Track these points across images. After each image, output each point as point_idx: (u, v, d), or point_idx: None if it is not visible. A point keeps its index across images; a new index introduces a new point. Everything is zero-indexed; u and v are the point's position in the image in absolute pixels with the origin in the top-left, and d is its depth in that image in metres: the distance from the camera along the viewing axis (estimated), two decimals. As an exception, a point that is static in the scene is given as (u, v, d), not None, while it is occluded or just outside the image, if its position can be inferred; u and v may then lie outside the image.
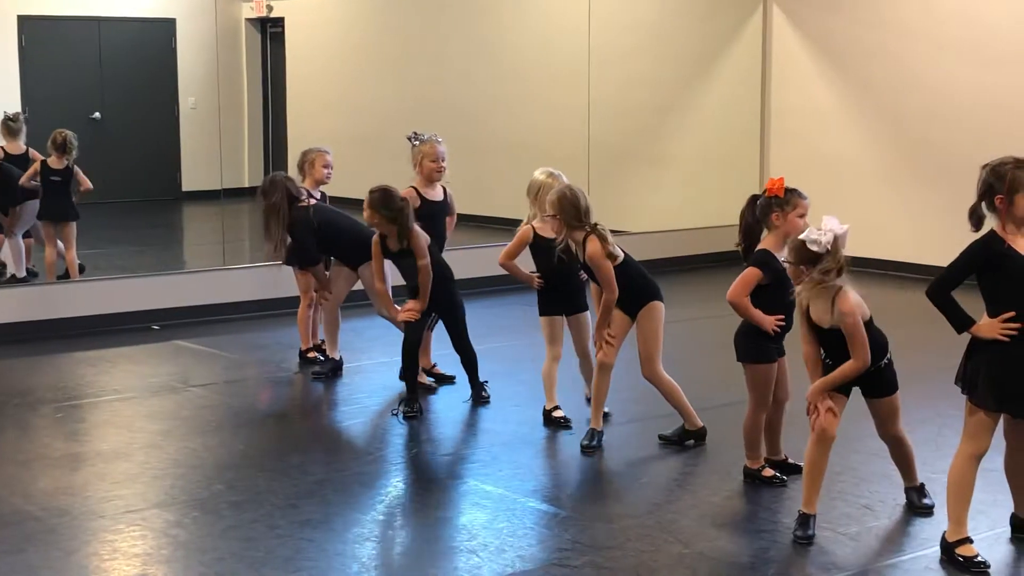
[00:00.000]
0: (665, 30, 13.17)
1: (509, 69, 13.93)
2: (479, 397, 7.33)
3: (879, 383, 5.25)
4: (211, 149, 16.34)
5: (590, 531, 5.34)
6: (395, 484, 6.19)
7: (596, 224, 6.37)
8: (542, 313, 6.95)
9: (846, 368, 5.09)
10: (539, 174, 6.96)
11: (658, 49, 13.11)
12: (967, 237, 4.88)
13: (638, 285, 6.41)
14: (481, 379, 7.38)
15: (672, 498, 5.80)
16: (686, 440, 6.52)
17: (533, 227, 6.89)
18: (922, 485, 5.53)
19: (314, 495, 5.81)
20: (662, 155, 13.12)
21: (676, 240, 12.28)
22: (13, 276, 10.28)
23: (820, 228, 5.06)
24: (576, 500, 5.83)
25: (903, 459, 5.51)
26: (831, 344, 5.15)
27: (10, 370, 8.39)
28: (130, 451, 6.53)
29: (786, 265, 5.26)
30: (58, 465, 6.35)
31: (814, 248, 5.05)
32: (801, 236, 5.11)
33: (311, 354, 8.31)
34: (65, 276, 10.06)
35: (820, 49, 12.42)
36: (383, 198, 6.98)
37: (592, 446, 6.42)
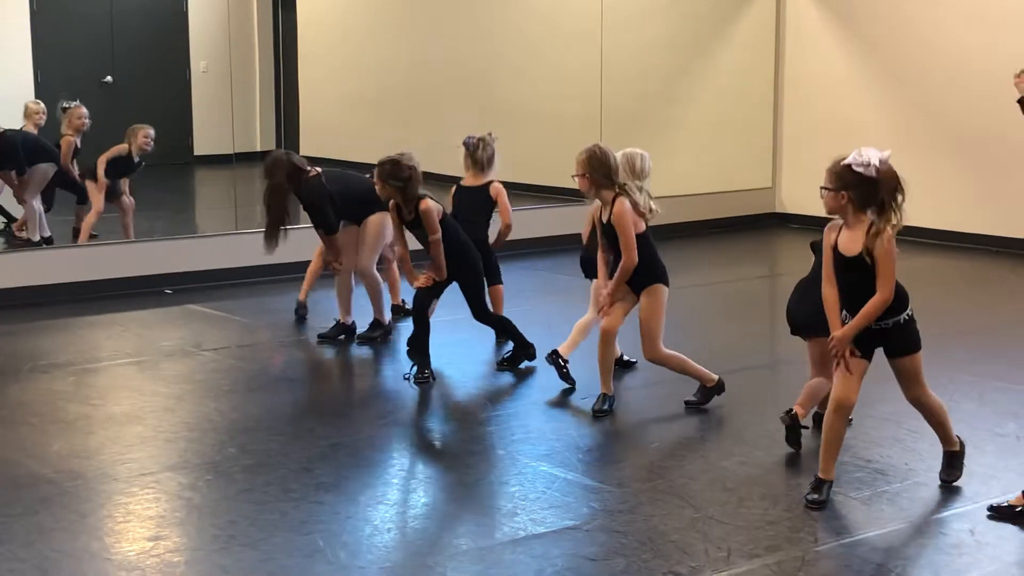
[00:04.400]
0: (678, 1, 13.09)
1: (521, 34, 13.86)
2: (526, 356, 7.34)
3: (901, 340, 5.11)
4: (223, 113, 16.31)
5: (602, 495, 5.35)
6: (407, 448, 6.21)
7: (624, 184, 6.35)
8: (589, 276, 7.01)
9: (870, 306, 4.95)
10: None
11: (671, 13, 13.03)
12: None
13: (647, 263, 6.37)
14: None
15: (684, 462, 5.80)
16: (710, 398, 6.52)
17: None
18: (954, 453, 5.36)
19: (327, 459, 5.83)
20: (675, 120, 13.07)
21: (689, 205, 12.24)
22: (29, 240, 10.29)
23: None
24: (587, 464, 5.84)
25: (935, 423, 5.36)
26: (851, 291, 5.04)
27: (24, 334, 8.41)
28: (143, 414, 6.55)
29: (823, 192, 5.04)
30: (72, 428, 6.37)
31: (860, 170, 4.94)
32: (846, 160, 4.96)
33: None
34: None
35: (834, 14, 12.34)
36: (392, 169, 6.98)
37: (604, 410, 6.43)
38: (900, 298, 5.08)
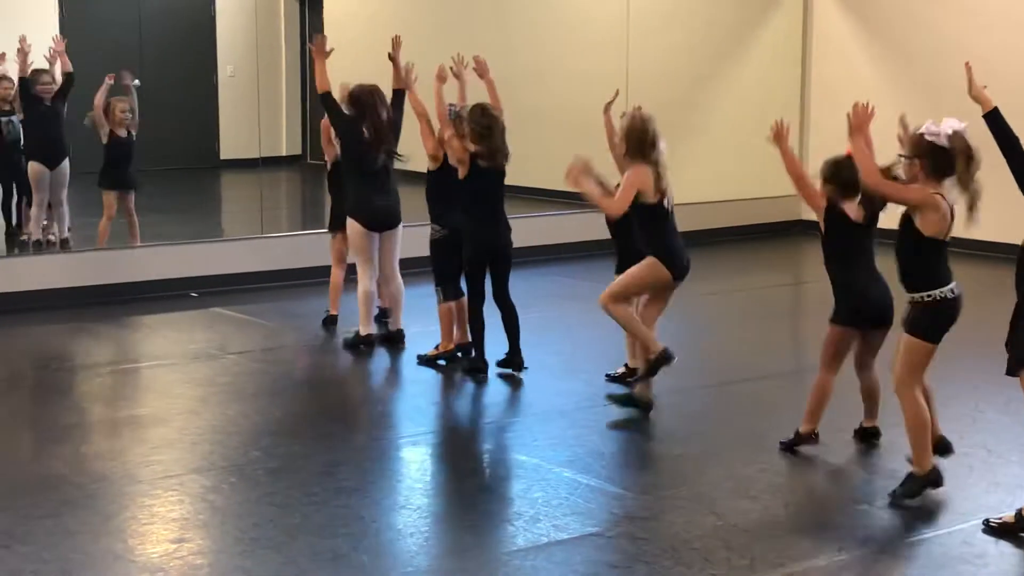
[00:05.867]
0: (705, 2, 13.07)
1: (548, 40, 13.86)
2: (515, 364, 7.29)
3: (908, 319, 5.12)
4: (249, 117, 16.37)
5: (624, 501, 5.35)
6: (430, 453, 6.21)
7: (659, 162, 6.29)
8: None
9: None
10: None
11: (697, 18, 13.01)
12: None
13: (664, 242, 6.31)
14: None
15: (706, 469, 5.78)
16: (655, 371, 6.33)
17: None
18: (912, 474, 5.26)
19: (350, 463, 5.84)
20: (701, 126, 13.04)
21: (714, 212, 12.21)
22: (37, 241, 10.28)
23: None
24: (610, 471, 5.83)
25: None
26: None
27: (51, 336, 8.46)
28: (168, 417, 6.58)
29: (903, 160, 5.10)
30: (97, 430, 6.41)
31: (932, 139, 4.95)
32: (920, 129, 5.00)
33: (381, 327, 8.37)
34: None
35: (861, 20, 12.30)
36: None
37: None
38: (932, 278, 5.07)
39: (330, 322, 8.41)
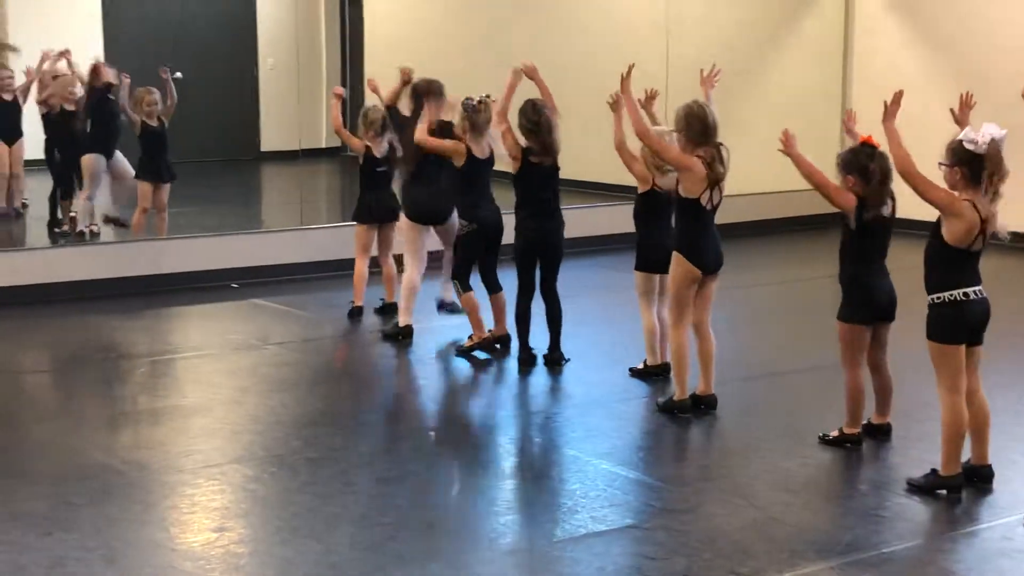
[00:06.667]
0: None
1: (588, 34, 13.83)
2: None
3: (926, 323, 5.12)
4: (289, 110, 16.43)
5: (662, 494, 5.34)
6: (469, 444, 6.23)
7: (721, 144, 6.28)
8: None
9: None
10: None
11: (738, 12, 12.95)
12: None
13: (690, 238, 6.25)
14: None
15: (746, 462, 5.76)
16: (671, 411, 6.31)
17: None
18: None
19: (389, 452, 5.86)
20: (743, 119, 12.96)
21: (758, 203, 12.18)
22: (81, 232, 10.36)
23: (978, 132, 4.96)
24: (649, 463, 5.83)
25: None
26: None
27: (94, 326, 8.53)
28: (210, 407, 6.62)
29: (942, 168, 5.10)
30: (139, 420, 6.46)
31: (970, 147, 4.95)
32: (959, 136, 5.01)
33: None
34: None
35: (904, 13, 12.20)
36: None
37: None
38: (951, 279, 5.06)
39: (355, 313, 8.45)
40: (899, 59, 12.18)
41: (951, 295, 5.05)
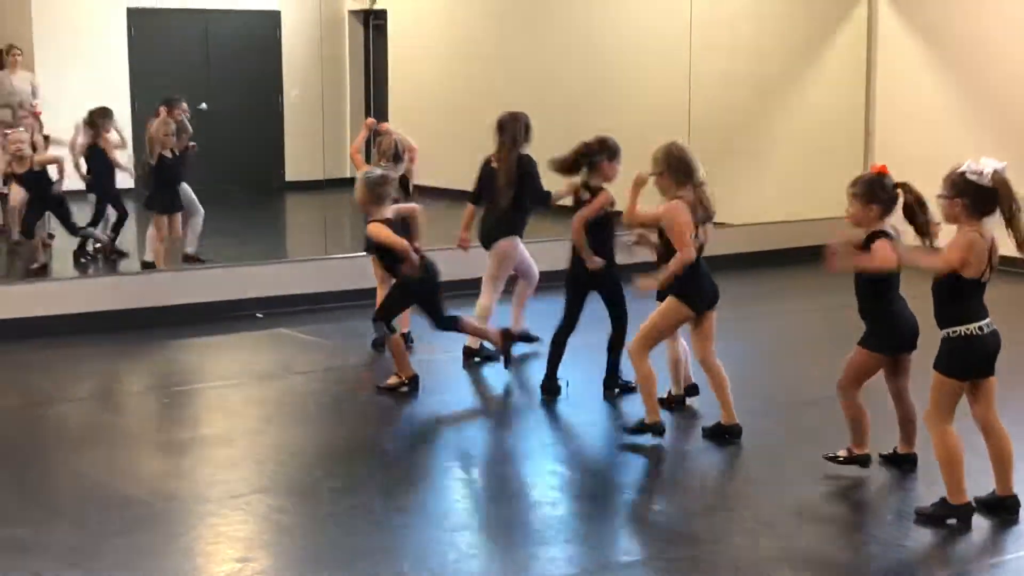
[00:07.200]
0: (768, 20, 13.02)
1: (609, 61, 13.87)
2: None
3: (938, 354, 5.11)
4: (314, 140, 16.51)
5: (687, 524, 5.32)
6: (491, 474, 6.22)
7: (703, 183, 6.27)
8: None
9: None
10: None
11: (760, 40, 12.95)
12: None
13: (687, 281, 6.23)
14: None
15: (769, 492, 5.73)
16: (642, 433, 6.31)
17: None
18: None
19: (413, 483, 5.86)
20: (764, 147, 12.98)
21: (778, 232, 12.14)
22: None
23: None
24: (671, 494, 5.81)
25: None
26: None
27: (119, 356, 8.57)
28: (234, 436, 6.64)
29: (941, 200, 5.08)
30: (164, 450, 6.48)
31: (974, 179, 4.94)
32: (961, 168, 5.00)
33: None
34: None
35: (927, 39, 12.18)
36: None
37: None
38: (944, 312, 5.07)
39: (379, 343, 8.41)
40: (922, 82, 12.16)
41: (967, 329, 5.04)
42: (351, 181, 15.67)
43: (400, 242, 7.07)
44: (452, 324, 7.43)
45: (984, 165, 4.96)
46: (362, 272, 10.06)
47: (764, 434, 6.50)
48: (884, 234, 5.47)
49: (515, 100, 14.27)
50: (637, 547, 5.03)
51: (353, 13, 16.83)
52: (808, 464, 6.05)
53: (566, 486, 5.92)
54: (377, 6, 16.51)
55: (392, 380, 7.36)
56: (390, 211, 7.22)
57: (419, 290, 7.26)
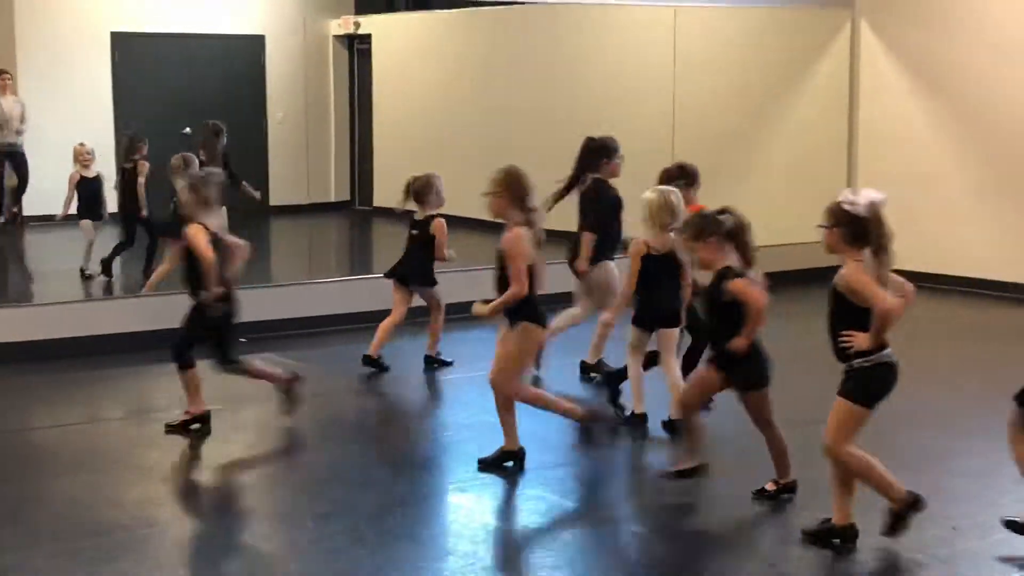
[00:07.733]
0: (752, 47, 13.08)
1: (593, 86, 13.91)
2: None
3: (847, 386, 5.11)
4: (298, 164, 16.52)
5: (668, 548, 5.31)
6: (477, 499, 6.20)
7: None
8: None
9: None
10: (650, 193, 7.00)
11: (744, 66, 13.01)
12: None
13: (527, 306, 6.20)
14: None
15: (753, 515, 5.74)
16: (499, 464, 6.36)
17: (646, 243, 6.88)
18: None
19: (399, 508, 5.84)
20: (748, 172, 13.03)
21: (761, 256, 12.14)
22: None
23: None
24: (653, 516, 5.80)
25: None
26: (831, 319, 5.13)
27: (108, 381, 8.53)
28: (218, 462, 6.61)
29: (821, 229, 5.13)
30: (150, 475, 6.44)
31: (848, 208, 4.98)
32: (839, 198, 5.05)
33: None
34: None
35: (909, 65, 12.26)
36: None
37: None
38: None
39: (377, 366, 8.44)
40: (904, 107, 12.23)
41: (878, 357, 5.05)
42: (335, 205, 15.76)
43: (211, 257, 6.75)
44: (237, 366, 7.18)
45: (862, 196, 5.00)
46: (347, 296, 10.08)
47: (756, 454, 6.50)
48: (733, 272, 5.56)
49: (498, 124, 14.37)
50: (615, 572, 5.01)
51: (337, 38, 16.86)
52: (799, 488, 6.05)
53: (548, 512, 5.89)
54: (361, 31, 16.54)
55: (185, 416, 7.14)
56: (214, 222, 6.89)
57: (212, 322, 7.00)
